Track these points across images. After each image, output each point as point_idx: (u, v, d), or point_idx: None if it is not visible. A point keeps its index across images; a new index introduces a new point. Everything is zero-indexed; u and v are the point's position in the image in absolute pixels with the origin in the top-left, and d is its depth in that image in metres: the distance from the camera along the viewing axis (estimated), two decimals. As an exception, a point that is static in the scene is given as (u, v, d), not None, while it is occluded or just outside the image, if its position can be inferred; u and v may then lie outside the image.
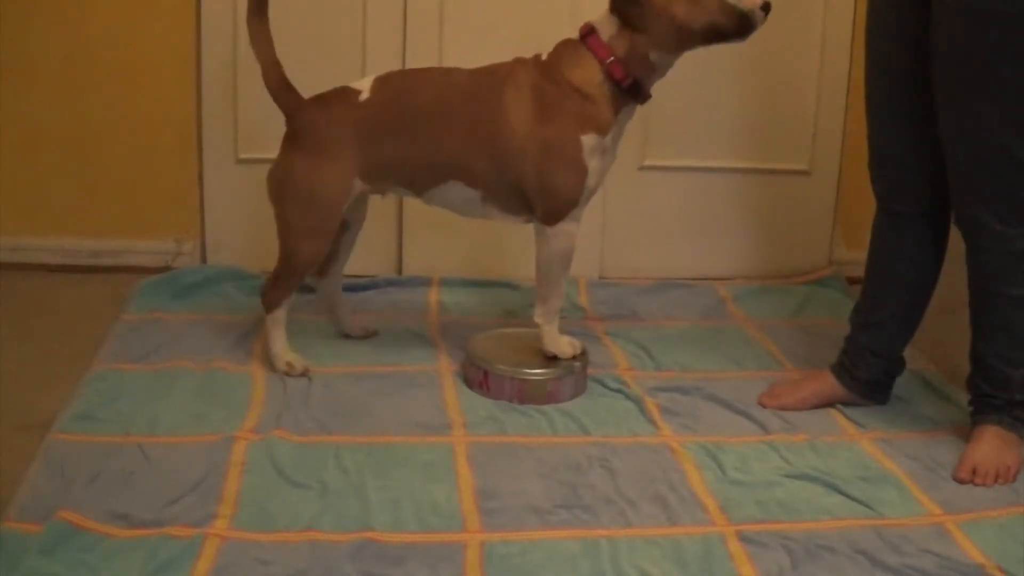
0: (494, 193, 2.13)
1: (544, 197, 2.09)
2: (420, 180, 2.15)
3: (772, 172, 2.88)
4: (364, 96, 2.12)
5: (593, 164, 2.08)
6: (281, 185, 2.13)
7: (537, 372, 2.15)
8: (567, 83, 2.06)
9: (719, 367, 2.36)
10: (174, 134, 2.81)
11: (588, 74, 2.05)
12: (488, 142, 2.08)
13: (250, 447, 1.88)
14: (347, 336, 2.41)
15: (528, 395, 2.14)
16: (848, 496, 1.82)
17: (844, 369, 2.18)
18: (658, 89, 2.85)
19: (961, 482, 1.90)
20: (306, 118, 2.13)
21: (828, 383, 2.18)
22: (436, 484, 1.80)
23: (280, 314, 2.18)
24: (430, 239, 2.80)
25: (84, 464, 1.79)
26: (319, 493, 1.75)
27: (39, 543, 1.54)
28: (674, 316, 2.68)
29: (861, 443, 2.04)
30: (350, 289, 2.72)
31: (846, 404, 2.18)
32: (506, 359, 2.17)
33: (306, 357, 2.28)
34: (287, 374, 2.17)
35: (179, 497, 1.70)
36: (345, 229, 2.28)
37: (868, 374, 2.16)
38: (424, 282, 2.79)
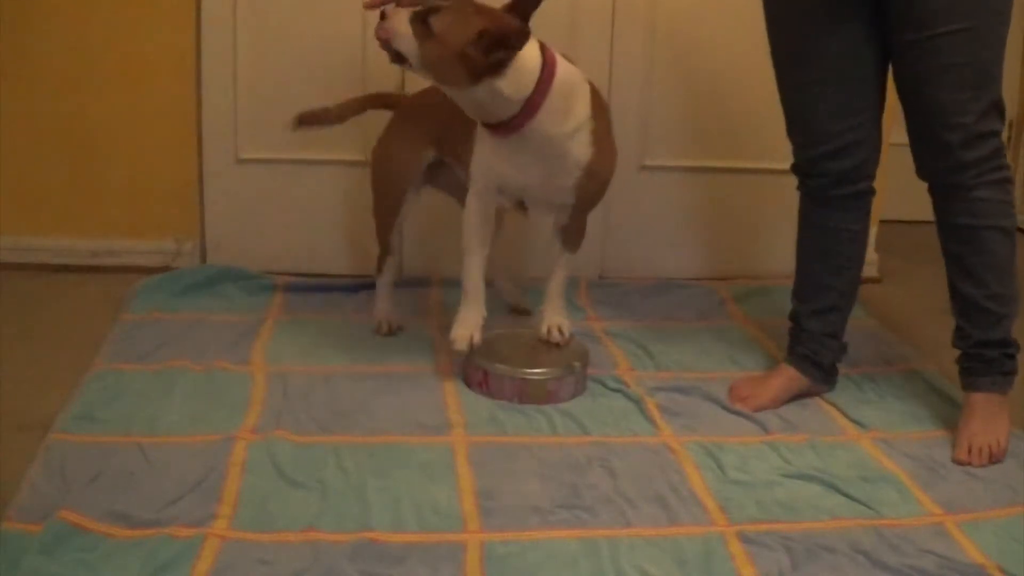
0: None
1: None
2: (464, 156, 2.21)
3: (772, 172, 2.87)
4: None
5: (478, 147, 2.11)
6: (373, 158, 2.41)
7: (537, 372, 2.15)
8: None
9: (719, 367, 2.36)
10: (174, 134, 2.81)
11: None
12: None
13: (250, 447, 1.88)
14: (517, 312, 2.60)
15: (528, 395, 2.13)
16: (848, 496, 1.82)
17: (806, 359, 2.20)
18: (658, 89, 2.88)
19: (959, 462, 1.95)
20: (405, 103, 2.43)
21: (792, 376, 2.20)
22: (436, 484, 1.80)
23: (381, 278, 2.46)
24: (430, 239, 2.80)
25: (84, 464, 1.79)
26: (319, 493, 1.75)
27: (39, 543, 1.53)
28: (674, 316, 2.68)
29: (861, 443, 2.04)
30: (350, 289, 2.73)
31: (809, 395, 2.21)
32: (506, 359, 2.17)
33: (306, 357, 2.29)
34: (376, 331, 2.44)
35: (179, 497, 1.70)
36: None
37: (830, 359, 2.21)
38: (424, 282, 2.79)
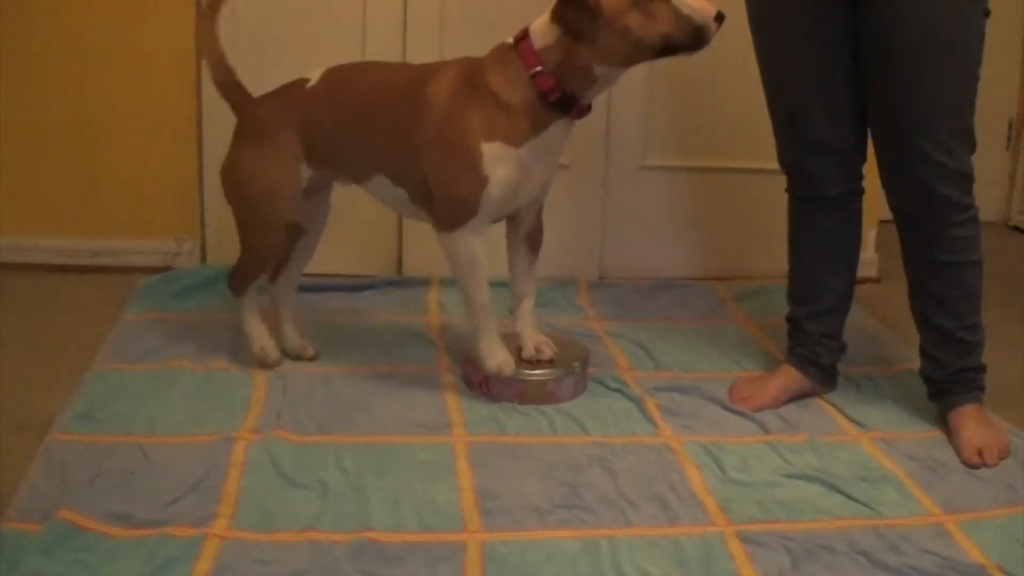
0: (418, 193, 2.07)
1: (441, 199, 2.02)
2: (355, 171, 2.14)
3: (772, 172, 2.86)
4: (311, 84, 2.13)
5: (500, 174, 1.96)
6: (232, 179, 2.14)
7: (537, 372, 2.15)
8: (486, 87, 1.96)
9: (719, 367, 2.36)
10: (174, 134, 2.81)
11: (510, 82, 1.95)
12: (406, 140, 2.02)
13: (250, 447, 1.88)
14: (285, 351, 2.28)
15: (528, 395, 2.13)
16: (848, 496, 1.82)
17: (806, 360, 2.20)
18: (658, 89, 2.88)
19: (972, 466, 1.95)
20: (253, 111, 2.15)
21: (792, 376, 2.20)
22: (436, 484, 1.80)
23: (248, 299, 2.18)
24: (430, 239, 2.77)
25: (84, 464, 1.79)
26: (319, 493, 1.75)
27: (39, 543, 1.54)
28: (674, 316, 2.68)
29: (861, 443, 2.04)
30: (350, 289, 2.73)
31: (809, 395, 2.21)
32: (506, 359, 2.17)
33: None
34: (261, 360, 2.17)
35: (179, 497, 1.70)
36: (300, 234, 2.23)
37: (830, 359, 2.22)
38: (424, 282, 2.80)
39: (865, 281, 3.02)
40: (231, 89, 2.16)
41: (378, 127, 2.06)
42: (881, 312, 2.77)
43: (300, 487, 1.77)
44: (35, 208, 2.83)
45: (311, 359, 2.28)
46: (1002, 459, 1.96)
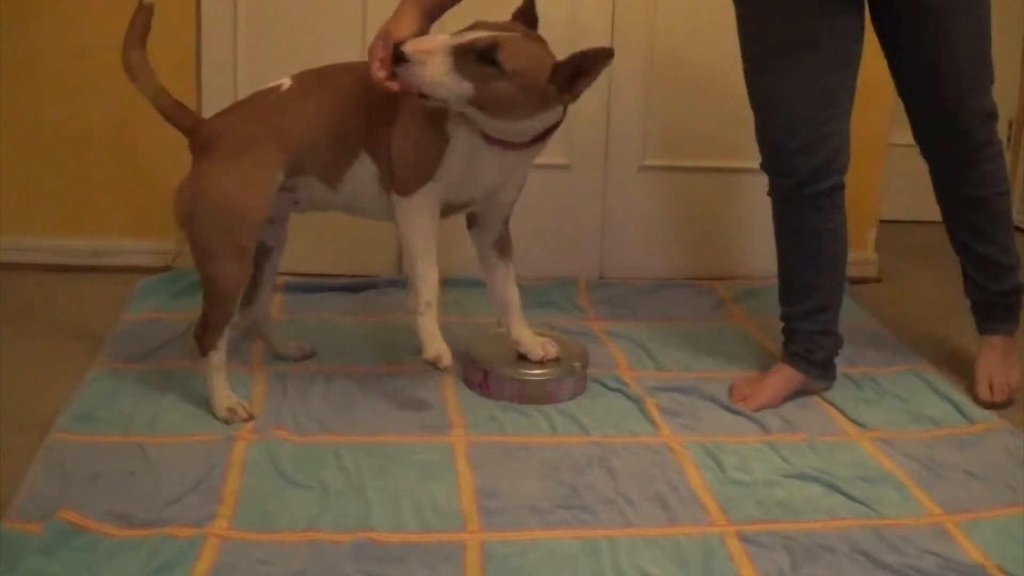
0: (386, 174, 2.00)
1: (402, 160, 1.96)
2: (335, 164, 2.02)
3: (772, 172, 2.88)
4: (285, 87, 2.04)
5: (460, 138, 1.93)
6: (194, 200, 1.96)
7: (537, 372, 2.15)
8: None
9: (719, 367, 2.36)
10: (174, 134, 2.79)
11: None
12: (387, 113, 1.98)
13: (250, 447, 1.88)
14: (283, 358, 2.28)
15: (528, 395, 2.13)
16: (848, 496, 1.82)
17: (800, 358, 2.21)
18: (657, 89, 2.88)
19: (984, 401, 2.18)
20: (214, 126, 2.02)
21: (789, 374, 2.21)
22: (436, 484, 1.80)
23: (217, 357, 1.99)
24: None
25: (84, 464, 1.79)
26: (319, 493, 1.75)
27: (39, 543, 1.54)
28: (674, 316, 2.68)
29: (861, 443, 2.04)
30: (350, 289, 2.73)
31: (808, 392, 2.22)
32: (506, 359, 2.17)
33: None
34: (228, 422, 1.97)
35: (179, 497, 1.70)
36: (267, 254, 2.17)
37: (823, 355, 2.23)
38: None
39: (865, 281, 3.02)
40: (177, 112, 2.02)
41: (367, 108, 1.99)
42: (881, 312, 2.77)
43: (300, 487, 1.77)
44: (35, 208, 2.83)
45: (311, 355, 2.30)
46: (1009, 400, 2.18)
